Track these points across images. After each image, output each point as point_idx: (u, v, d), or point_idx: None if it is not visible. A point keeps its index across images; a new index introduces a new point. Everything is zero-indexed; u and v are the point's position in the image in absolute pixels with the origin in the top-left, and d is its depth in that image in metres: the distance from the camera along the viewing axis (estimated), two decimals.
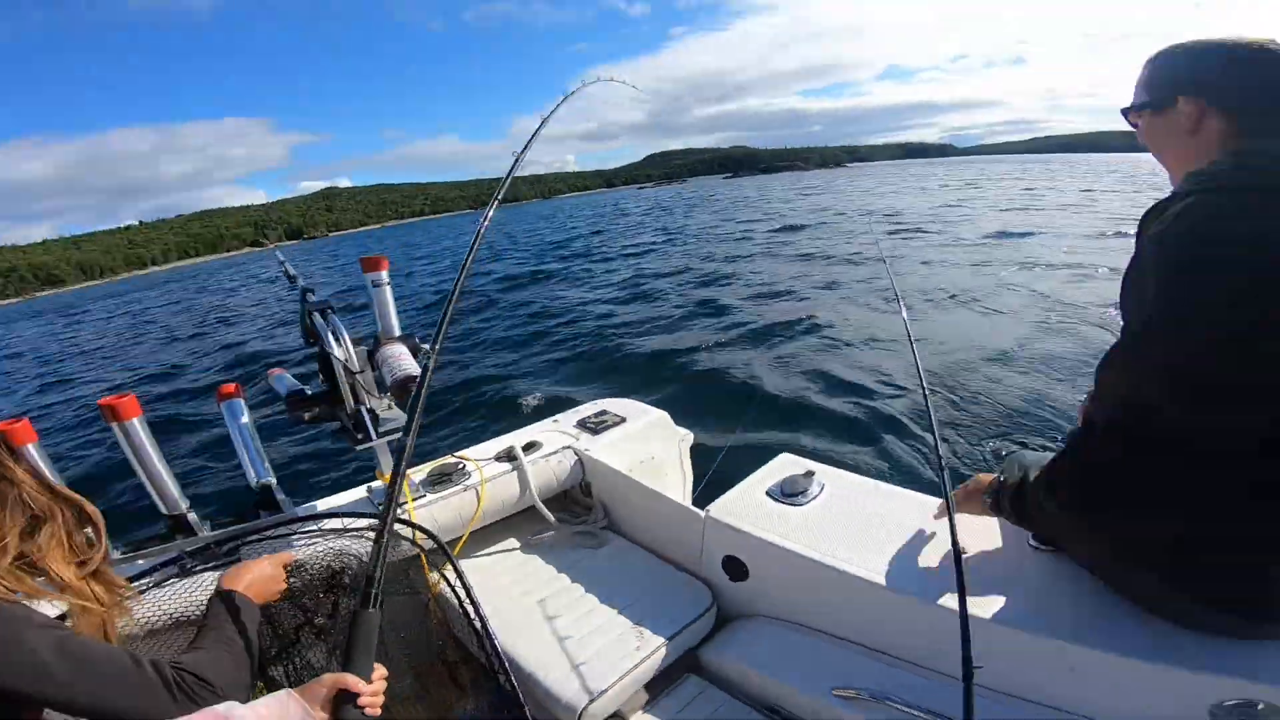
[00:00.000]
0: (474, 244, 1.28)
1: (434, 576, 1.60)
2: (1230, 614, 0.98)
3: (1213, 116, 0.96)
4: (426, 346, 1.58)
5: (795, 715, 1.34)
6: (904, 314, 1.56)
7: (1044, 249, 11.15)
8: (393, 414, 1.55)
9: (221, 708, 0.74)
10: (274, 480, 1.61)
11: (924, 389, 1.33)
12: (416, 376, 1.39)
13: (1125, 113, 1.10)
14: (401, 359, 1.42)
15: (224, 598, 1.03)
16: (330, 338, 1.41)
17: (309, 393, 1.59)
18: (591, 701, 1.32)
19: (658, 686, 1.47)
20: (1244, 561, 0.93)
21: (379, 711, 0.85)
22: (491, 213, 1.44)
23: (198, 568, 1.23)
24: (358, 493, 1.83)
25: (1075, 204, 20.13)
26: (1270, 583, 0.93)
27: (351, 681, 0.82)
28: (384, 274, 1.62)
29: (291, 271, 1.83)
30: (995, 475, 1.22)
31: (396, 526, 1.52)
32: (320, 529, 1.45)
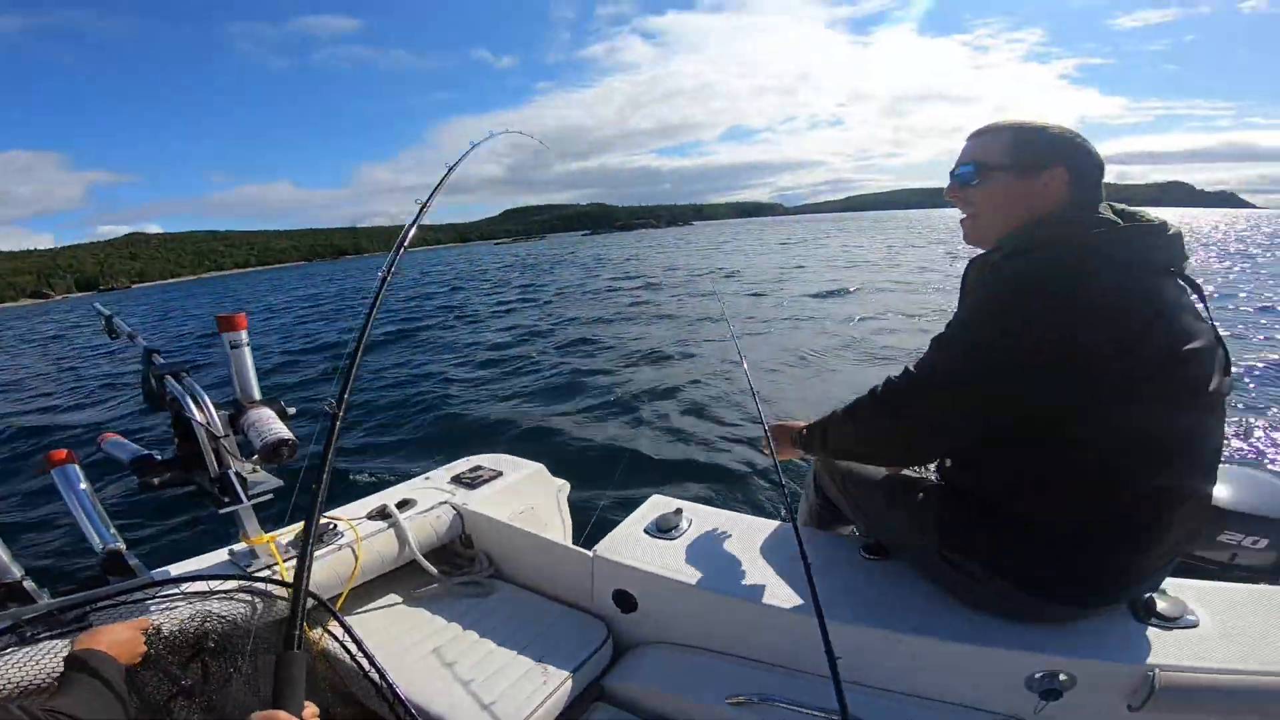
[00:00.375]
0: (378, 292, 1.37)
1: (315, 634, 1.55)
2: (1036, 597, 1.17)
3: (1063, 184, 1.16)
4: (293, 411, 1.56)
5: None
6: (745, 367, 1.86)
7: (866, 302, 12.70)
8: (260, 477, 1.49)
9: None
10: (123, 545, 1.47)
11: (764, 426, 1.57)
12: (289, 440, 1.37)
13: (969, 173, 1.25)
14: (271, 423, 1.39)
15: (83, 655, 0.96)
16: (190, 402, 1.35)
17: (159, 458, 1.49)
18: None
19: (569, 717, 1.51)
20: (1041, 544, 1.12)
21: None
22: (396, 260, 1.59)
23: (42, 634, 1.12)
24: (217, 556, 1.72)
25: (883, 261, 23.22)
26: (1053, 563, 1.13)
27: (283, 718, 0.83)
28: (243, 334, 1.57)
29: (126, 329, 1.71)
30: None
31: (270, 588, 1.48)
32: (184, 592, 1.40)
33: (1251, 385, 6.16)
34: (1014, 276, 1.08)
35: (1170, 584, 1.27)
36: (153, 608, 1.33)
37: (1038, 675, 1.17)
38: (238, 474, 1.39)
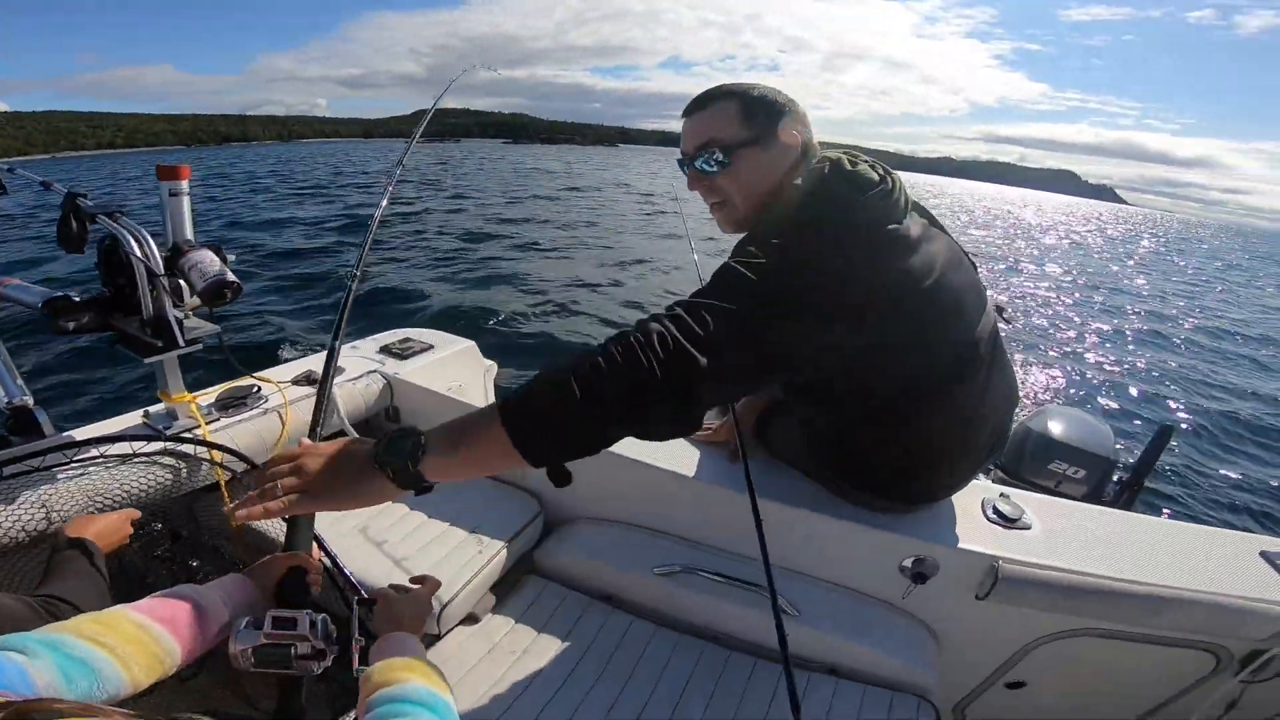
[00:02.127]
0: (393, 175, 1.47)
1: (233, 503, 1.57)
2: (880, 498, 1.37)
3: (796, 139, 1.15)
4: (233, 257, 1.53)
5: (625, 597, 1.56)
6: (695, 257, 1.92)
7: None
8: (194, 323, 1.48)
9: (186, 588, 0.75)
10: (31, 400, 1.42)
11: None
12: (233, 282, 1.36)
13: (714, 158, 1.15)
14: (212, 263, 1.37)
15: (76, 541, 1.00)
16: (130, 238, 1.31)
17: (76, 299, 1.42)
18: (446, 605, 1.40)
19: (502, 589, 1.59)
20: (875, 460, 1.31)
21: (319, 587, 0.90)
22: (411, 148, 1.87)
23: None
24: (130, 418, 1.66)
25: None
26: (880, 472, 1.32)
27: (302, 559, 0.87)
28: (184, 183, 1.51)
29: (37, 178, 1.59)
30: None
31: (196, 450, 1.48)
32: (104, 454, 1.36)
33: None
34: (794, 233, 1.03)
35: (1011, 493, 1.49)
36: (64, 472, 1.30)
37: (909, 561, 1.38)
38: (175, 316, 1.37)
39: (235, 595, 0.79)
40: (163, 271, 1.33)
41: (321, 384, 1.31)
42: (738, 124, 1.14)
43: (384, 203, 1.72)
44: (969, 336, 1.17)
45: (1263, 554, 1.38)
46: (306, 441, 0.81)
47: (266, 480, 0.77)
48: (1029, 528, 1.39)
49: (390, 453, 0.76)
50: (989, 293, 1.28)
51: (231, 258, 1.52)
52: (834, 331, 0.98)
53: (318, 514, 1.68)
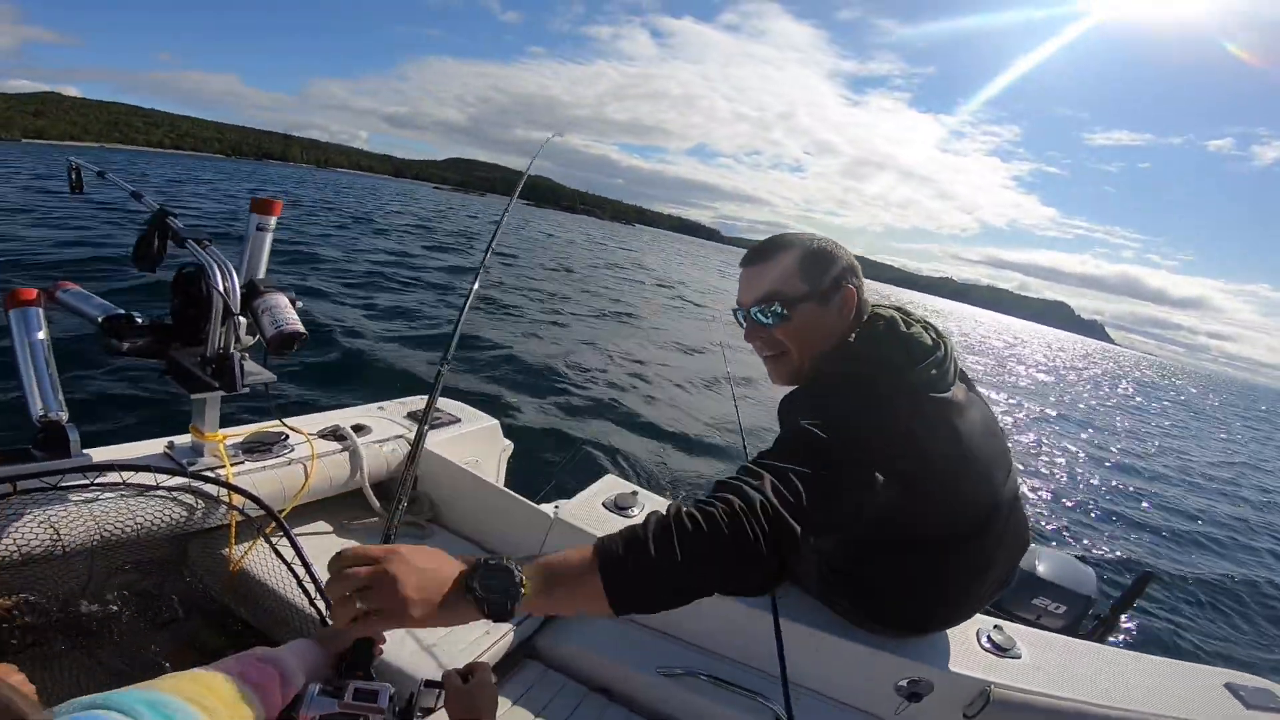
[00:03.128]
0: (494, 233, 1.57)
1: (240, 549, 1.49)
2: (888, 626, 1.42)
3: (853, 301, 1.17)
4: (300, 304, 1.51)
5: (625, 692, 1.53)
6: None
7: None
8: (253, 367, 1.44)
9: (267, 651, 0.75)
10: (65, 416, 1.35)
11: (742, 436, 1.70)
12: (302, 334, 1.33)
13: (772, 310, 1.16)
14: (287, 310, 1.35)
15: None
16: (215, 271, 1.28)
17: (139, 320, 1.38)
18: None
19: (502, 670, 1.55)
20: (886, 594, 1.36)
21: (383, 654, 0.89)
22: (511, 204, 1.85)
23: None
24: (150, 446, 1.59)
25: None
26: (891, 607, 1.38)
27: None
28: (273, 219, 1.51)
29: (128, 187, 1.58)
30: None
31: (218, 491, 1.41)
32: (126, 482, 1.28)
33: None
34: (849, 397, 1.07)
35: (1005, 625, 1.57)
36: (81, 495, 1.25)
37: (904, 681, 1.41)
38: (238, 358, 1.33)
39: (307, 659, 0.79)
40: (238, 310, 1.30)
41: (418, 434, 1.23)
42: (799, 277, 1.14)
43: (487, 256, 1.74)
44: (993, 499, 1.23)
45: (1227, 685, 1.51)
46: (400, 548, 0.75)
47: (342, 581, 0.71)
48: (1019, 657, 1.48)
49: (490, 589, 0.74)
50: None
51: (300, 304, 1.49)
52: (889, 494, 1.01)
53: (322, 557, 1.62)
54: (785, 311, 1.15)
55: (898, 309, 1.22)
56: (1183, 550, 6.38)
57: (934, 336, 1.16)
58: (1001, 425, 1.37)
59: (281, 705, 0.70)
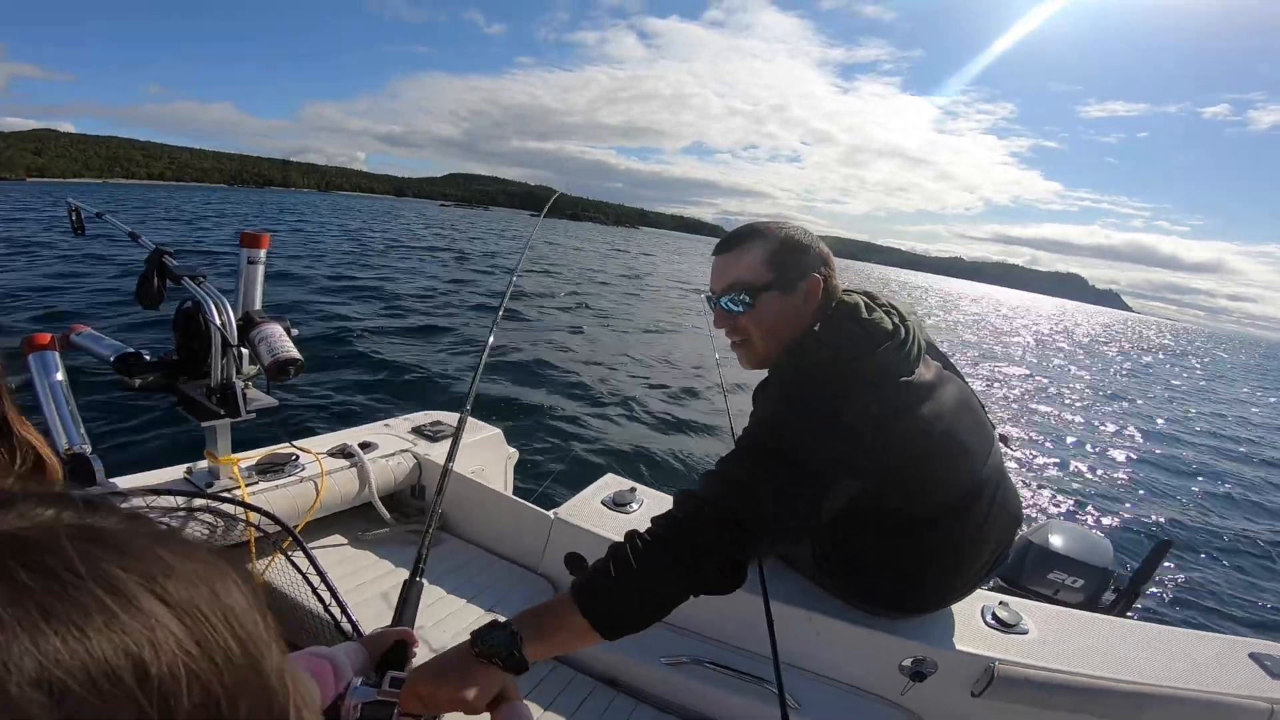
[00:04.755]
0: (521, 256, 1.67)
1: (261, 563, 1.57)
2: (883, 608, 1.43)
3: (818, 290, 1.19)
4: (296, 332, 1.59)
5: (630, 683, 1.58)
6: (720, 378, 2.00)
7: None
8: (254, 394, 1.52)
9: (323, 649, 0.82)
10: (90, 448, 1.44)
11: (732, 427, 1.74)
12: (298, 360, 1.40)
13: (739, 299, 1.19)
14: (282, 339, 1.42)
15: None
16: (212, 307, 1.37)
17: (148, 358, 1.47)
18: None
19: None
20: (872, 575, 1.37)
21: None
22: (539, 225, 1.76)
23: None
24: (170, 473, 1.69)
25: None
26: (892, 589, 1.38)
27: (409, 635, 0.94)
28: (262, 252, 1.59)
29: (125, 228, 1.68)
30: None
31: (236, 510, 1.50)
32: (150, 506, 1.37)
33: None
34: (811, 378, 1.12)
35: (1011, 601, 1.55)
36: None
37: (908, 661, 1.42)
38: (240, 386, 1.41)
39: (354, 659, 0.86)
40: (236, 342, 1.38)
41: (454, 443, 1.37)
42: (762, 267, 1.17)
43: (514, 279, 1.88)
44: (973, 476, 1.24)
45: (1252, 655, 1.45)
46: (413, 679, 0.86)
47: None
48: (1026, 632, 1.46)
49: (492, 649, 0.88)
50: (995, 430, 1.37)
51: (295, 331, 1.57)
52: (856, 483, 1.07)
53: (344, 571, 1.71)
54: (751, 300, 1.18)
55: (865, 294, 1.25)
56: (1205, 517, 6.21)
57: (896, 320, 1.18)
58: (982, 400, 1.37)
59: (334, 694, 0.79)
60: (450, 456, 1.35)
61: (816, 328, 1.17)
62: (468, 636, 1.59)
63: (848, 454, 1.05)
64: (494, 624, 0.90)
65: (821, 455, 1.04)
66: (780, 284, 1.17)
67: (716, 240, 1.35)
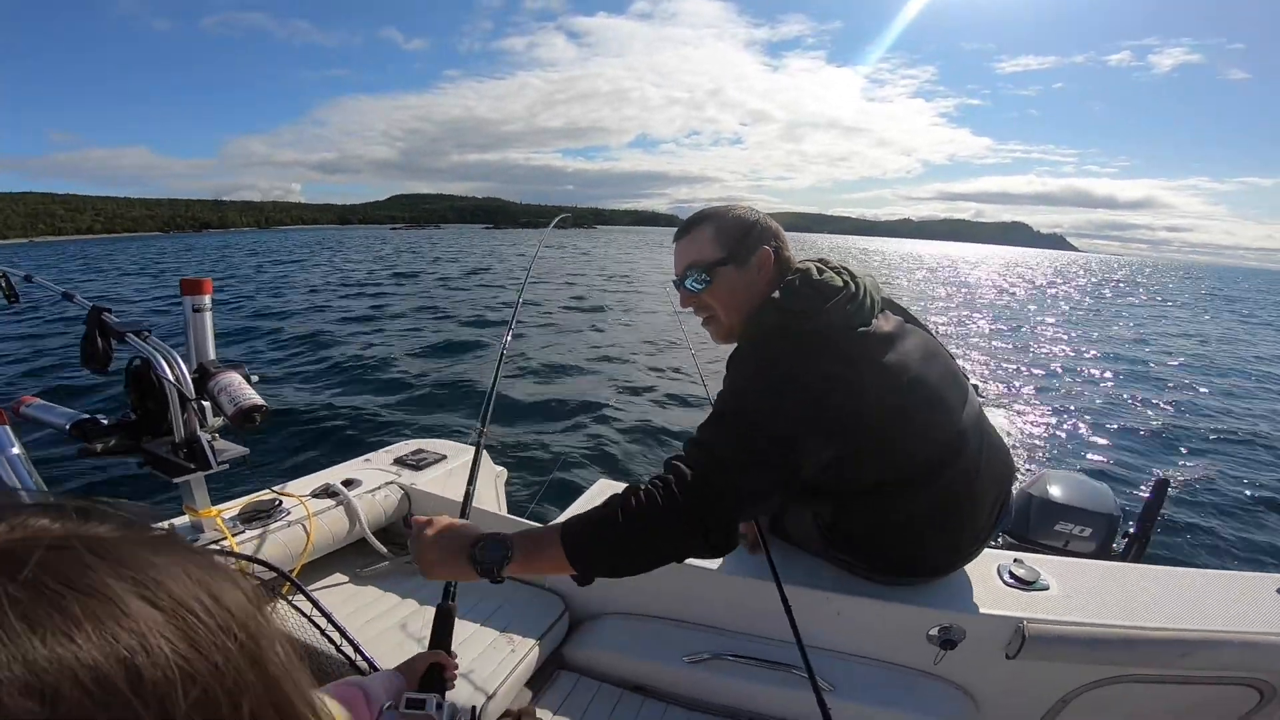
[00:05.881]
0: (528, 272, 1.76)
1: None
2: (896, 575, 1.42)
3: (773, 263, 1.26)
4: (256, 378, 1.52)
5: (657, 687, 1.56)
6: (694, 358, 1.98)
7: None
8: (223, 445, 1.45)
9: (355, 679, 0.85)
10: None
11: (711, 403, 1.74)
12: (262, 406, 1.34)
13: (698, 278, 1.27)
14: (242, 387, 1.35)
15: None
16: (162, 362, 1.29)
17: (104, 422, 1.39)
18: (488, 700, 1.40)
19: (535, 684, 1.58)
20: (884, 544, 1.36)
21: (455, 683, 1.00)
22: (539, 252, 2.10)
23: None
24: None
25: None
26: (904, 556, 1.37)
27: (444, 658, 0.97)
28: (207, 298, 1.51)
29: (57, 289, 1.59)
30: None
31: (249, 565, 1.43)
32: None
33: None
34: (779, 350, 1.14)
35: (1024, 557, 1.53)
36: None
37: (935, 630, 1.40)
38: (205, 439, 1.34)
39: (390, 686, 0.89)
40: (193, 395, 1.31)
41: (473, 470, 1.36)
42: (713, 246, 1.26)
43: (520, 300, 1.90)
44: (954, 425, 1.24)
45: None
46: (436, 520, 1.07)
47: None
48: (1047, 588, 1.44)
49: (484, 557, 1.01)
50: (968, 380, 1.37)
51: (255, 378, 1.51)
52: (829, 446, 1.10)
53: (350, 609, 1.69)
54: (709, 277, 1.26)
55: (817, 260, 1.29)
56: (1203, 452, 6.10)
57: (846, 278, 1.22)
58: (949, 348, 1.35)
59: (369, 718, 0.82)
60: (471, 479, 1.33)
61: (775, 295, 1.20)
62: (490, 658, 1.56)
63: (812, 415, 1.08)
64: (495, 536, 1.03)
65: (784, 417, 1.07)
66: (733, 259, 1.25)
67: (674, 229, 1.40)
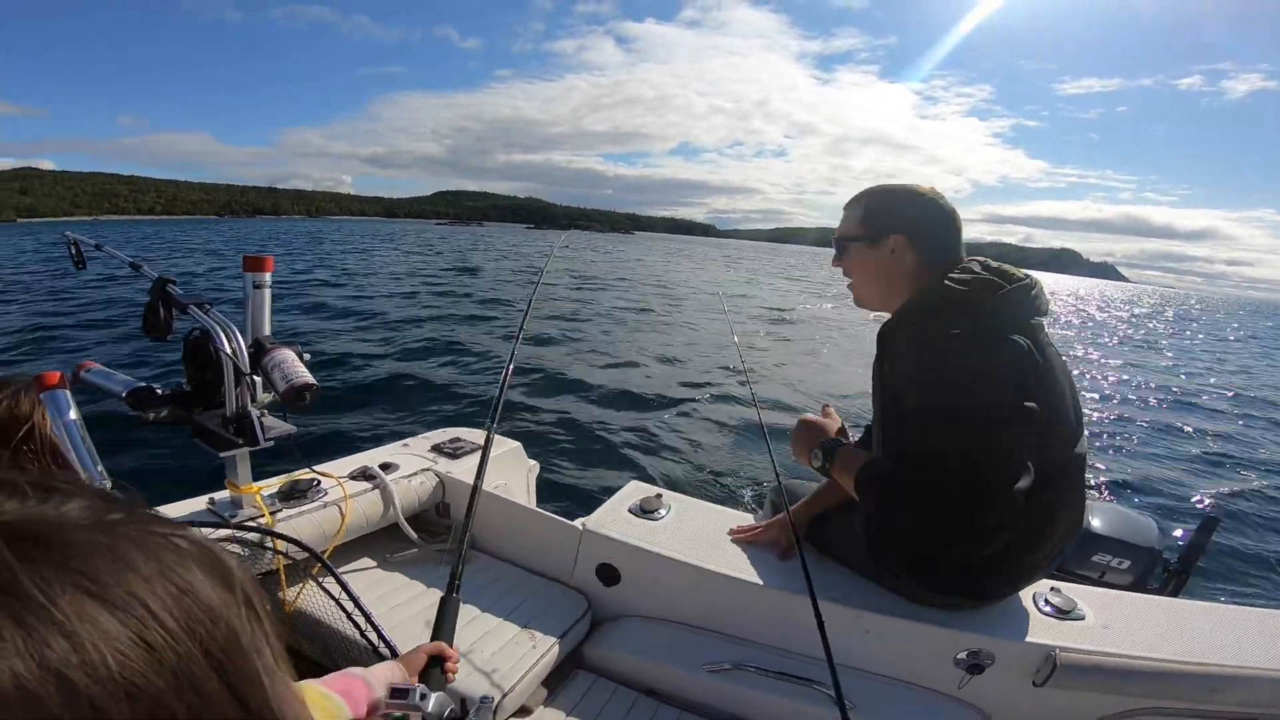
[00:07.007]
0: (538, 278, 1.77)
1: (293, 591, 1.54)
2: (947, 596, 1.39)
3: (909, 249, 1.32)
4: (308, 356, 1.55)
5: (672, 693, 1.54)
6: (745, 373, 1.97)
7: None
8: (272, 421, 1.48)
9: (354, 670, 0.84)
10: (110, 484, 1.40)
11: (761, 425, 1.70)
12: (314, 385, 1.36)
13: (838, 245, 1.43)
14: (295, 365, 1.38)
15: None
16: (221, 335, 1.32)
17: (159, 391, 1.43)
18: (504, 696, 1.40)
19: (552, 682, 1.58)
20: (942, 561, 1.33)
21: (456, 676, 1.00)
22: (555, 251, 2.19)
23: None
24: (193, 504, 1.65)
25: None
26: (954, 574, 1.35)
27: (445, 649, 0.97)
28: (267, 275, 1.55)
29: (127, 258, 1.64)
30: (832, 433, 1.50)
31: (262, 538, 1.47)
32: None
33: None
34: (931, 346, 1.20)
35: (1061, 586, 1.51)
36: None
37: (963, 654, 1.38)
38: (256, 414, 1.37)
39: (391, 677, 0.88)
40: (249, 370, 1.34)
41: (482, 459, 1.39)
42: (856, 223, 1.39)
43: (533, 296, 1.94)
44: (1069, 450, 1.26)
45: None
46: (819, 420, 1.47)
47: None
48: (1083, 618, 1.43)
49: (823, 455, 1.37)
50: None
51: (307, 356, 1.53)
52: (996, 435, 1.13)
53: (377, 594, 1.71)
54: (843, 250, 1.42)
55: (981, 261, 1.33)
56: (1249, 489, 5.87)
57: (1022, 274, 1.27)
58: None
59: (365, 710, 0.81)
60: (479, 474, 1.32)
61: (949, 281, 1.25)
62: (510, 652, 1.57)
63: (985, 405, 1.13)
64: (832, 444, 1.38)
65: (991, 399, 1.14)
66: (864, 238, 1.37)
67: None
